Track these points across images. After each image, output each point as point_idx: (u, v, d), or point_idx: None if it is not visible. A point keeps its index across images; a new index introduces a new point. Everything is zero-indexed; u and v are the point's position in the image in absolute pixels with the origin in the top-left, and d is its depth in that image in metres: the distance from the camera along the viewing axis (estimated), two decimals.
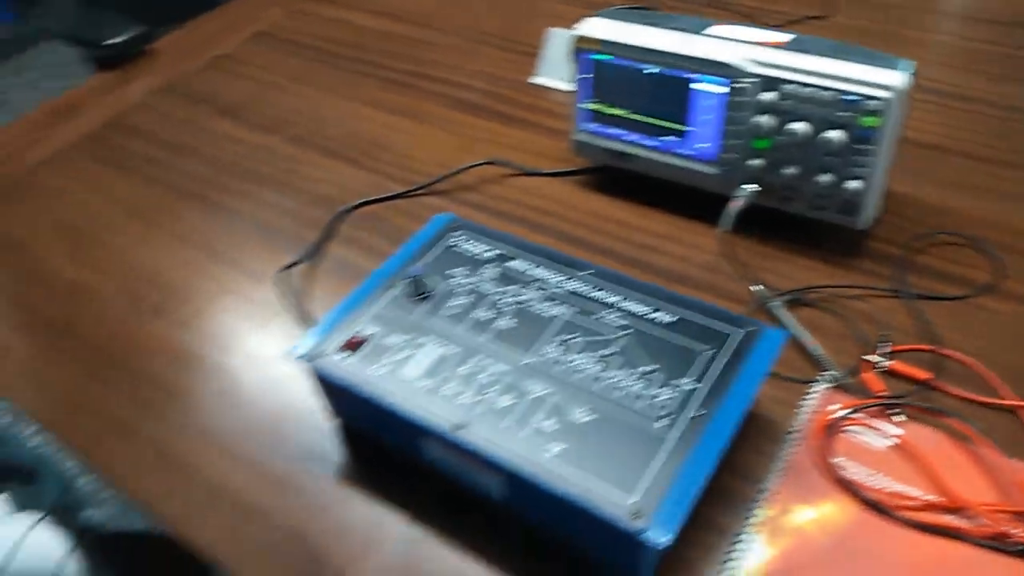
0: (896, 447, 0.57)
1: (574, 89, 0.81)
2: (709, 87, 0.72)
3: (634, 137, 0.79)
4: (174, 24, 1.26)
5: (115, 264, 0.82)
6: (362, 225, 0.84)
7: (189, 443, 0.64)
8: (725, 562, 0.52)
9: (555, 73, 1.01)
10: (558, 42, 1.01)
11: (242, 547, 0.56)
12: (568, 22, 1.01)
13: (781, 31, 0.75)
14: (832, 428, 0.58)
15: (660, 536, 0.46)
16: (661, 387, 0.54)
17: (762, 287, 0.70)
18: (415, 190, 0.87)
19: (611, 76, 0.77)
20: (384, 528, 0.56)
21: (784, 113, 0.70)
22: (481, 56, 1.10)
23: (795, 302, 0.69)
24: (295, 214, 0.86)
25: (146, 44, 1.18)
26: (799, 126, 0.69)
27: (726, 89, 0.72)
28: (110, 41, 1.14)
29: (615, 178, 0.84)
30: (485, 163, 0.89)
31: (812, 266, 0.73)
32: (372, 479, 0.60)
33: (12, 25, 2.90)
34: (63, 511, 0.80)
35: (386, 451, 0.61)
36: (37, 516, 0.77)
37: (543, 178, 0.87)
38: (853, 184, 0.69)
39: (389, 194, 0.87)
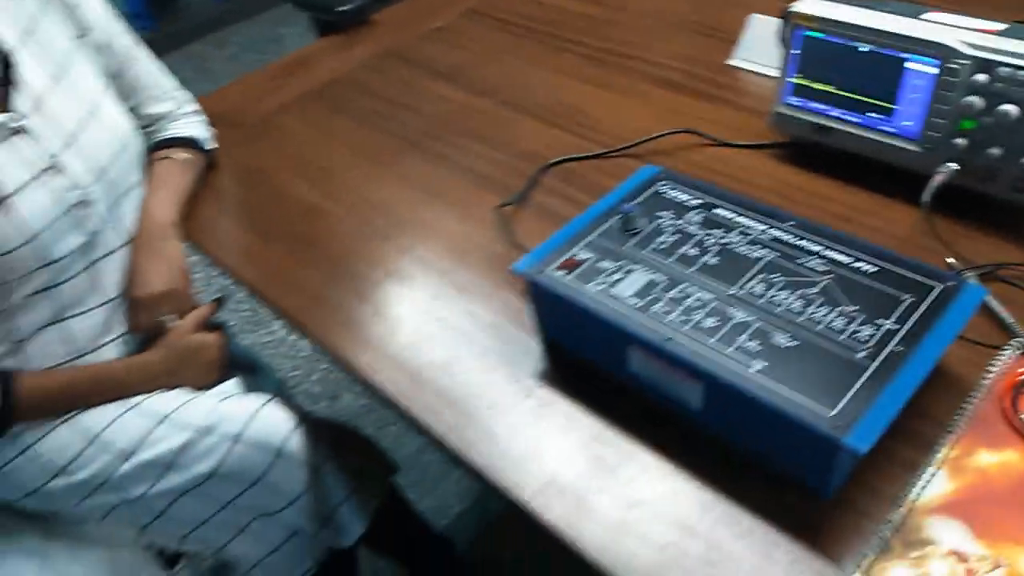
0: None
1: (774, 72, 0.85)
2: (921, 67, 0.76)
3: (839, 112, 0.83)
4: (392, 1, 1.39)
5: (346, 194, 0.95)
6: (564, 179, 0.92)
7: (408, 341, 0.74)
8: (908, 486, 0.56)
9: (753, 57, 1.06)
10: (760, 27, 1.05)
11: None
12: (764, 10, 1.06)
13: (996, 22, 0.77)
14: (1019, 387, 0.61)
15: (858, 444, 0.51)
16: (862, 325, 0.59)
17: (956, 261, 0.72)
18: (613, 151, 0.94)
19: (822, 52, 0.81)
20: (573, 432, 0.64)
21: (995, 95, 0.72)
22: (676, 39, 1.16)
23: (988, 276, 0.71)
24: (504, 165, 0.95)
25: (371, 14, 1.32)
26: (1009, 108, 0.71)
27: (937, 70, 0.75)
28: (342, 7, 1.28)
29: (810, 153, 0.88)
30: (681, 131, 0.95)
31: (1007, 247, 0.75)
32: (575, 390, 0.67)
33: (222, 3, 3.22)
34: (283, 398, 0.92)
35: (589, 369, 0.69)
36: (266, 397, 0.90)
37: (738, 149, 0.92)
38: None
39: (590, 154, 0.94)
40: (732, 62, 1.08)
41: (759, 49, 1.04)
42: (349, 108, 1.11)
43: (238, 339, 1.13)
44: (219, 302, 0.95)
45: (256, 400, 0.89)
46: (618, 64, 1.12)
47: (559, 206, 0.88)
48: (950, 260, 0.73)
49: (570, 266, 0.67)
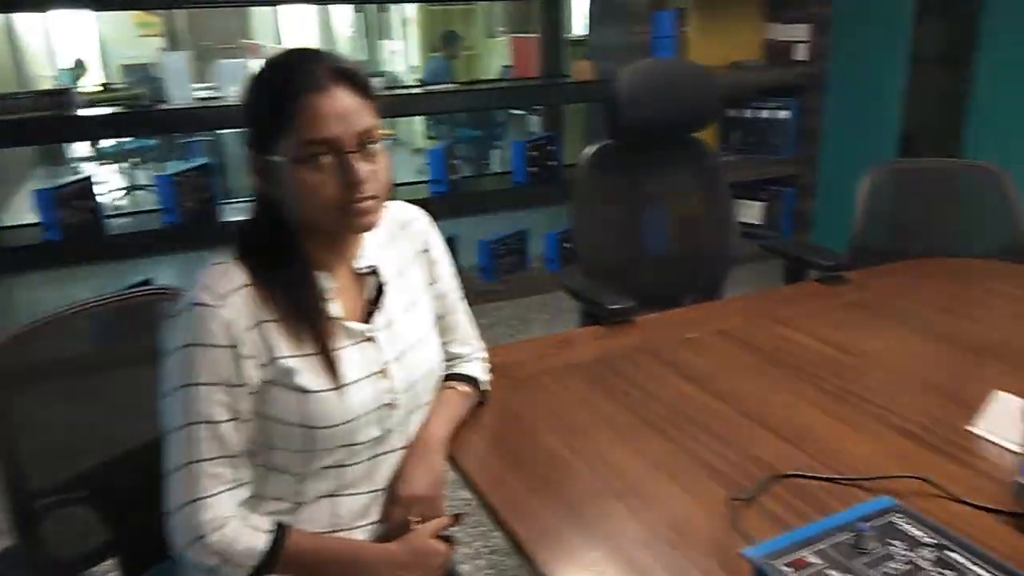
0: None
1: (1015, 447, 0.90)
2: None
3: None
4: (652, 310, 1.61)
5: (588, 451, 1.08)
6: (793, 492, 0.98)
7: None
8: None
9: (995, 428, 1.09)
10: (1002, 403, 1.11)
11: None
12: (1012, 389, 1.11)
13: None
14: None
15: None
16: None
17: None
18: (844, 479, 1.00)
19: None
20: None
21: None
22: (916, 396, 1.23)
23: None
24: (735, 464, 1.04)
25: (634, 316, 1.54)
26: None
27: None
28: (613, 306, 1.51)
29: None
30: (915, 477, 0.99)
31: None
32: None
33: (491, 283, 3.75)
34: None
35: None
36: None
37: (970, 509, 0.94)
38: None
39: (822, 476, 1.01)
40: (972, 429, 1.12)
41: (1000, 422, 1.08)
42: (603, 384, 1.28)
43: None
44: (457, 518, 1.08)
45: None
46: (856, 405, 1.21)
47: (786, 515, 0.94)
48: None
49: (799, 566, 0.73)
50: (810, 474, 1.01)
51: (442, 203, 3.48)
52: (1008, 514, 0.93)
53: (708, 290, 2.00)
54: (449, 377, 1.17)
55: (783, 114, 3.92)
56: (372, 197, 0.94)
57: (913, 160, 2.94)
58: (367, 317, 1.02)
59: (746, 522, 0.92)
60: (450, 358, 1.19)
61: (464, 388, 1.17)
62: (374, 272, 1.04)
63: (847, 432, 1.13)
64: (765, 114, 3.97)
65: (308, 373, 0.94)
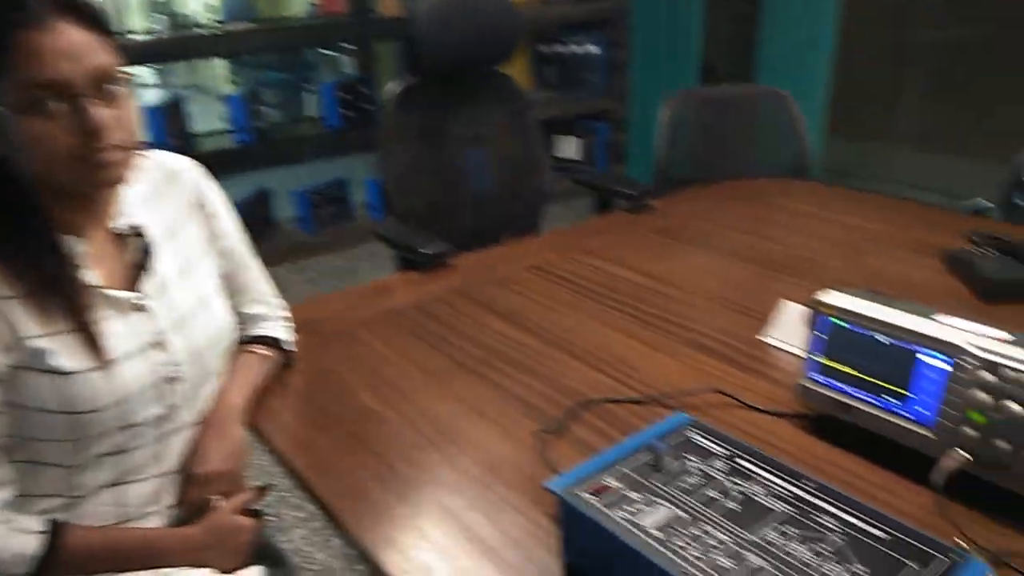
0: None
1: (802, 350, 0.95)
2: (934, 361, 0.84)
3: (858, 393, 0.91)
4: (470, 250, 1.58)
5: (402, 403, 1.04)
6: (601, 417, 1.00)
7: (437, 547, 0.78)
8: None
9: (783, 336, 1.16)
10: (789, 312, 1.18)
11: None
12: (793, 297, 1.19)
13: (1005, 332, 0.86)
14: None
15: None
16: None
17: (964, 543, 0.75)
18: (648, 399, 1.03)
19: (845, 339, 0.91)
20: None
21: (1002, 394, 0.80)
22: (717, 314, 1.29)
23: (995, 563, 0.74)
24: (547, 397, 1.04)
25: (451, 258, 1.50)
26: (1015, 407, 0.78)
27: (949, 366, 0.83)
28: (425, 250, 1.47)
29: (831, 426, 0.95)
30: (713, 391, 1.03)
31: (1017, 537, 0.78)
32: None
33: (312, 235, 3.58)
34: None
35: None
36: None
37: (763, 415, 1.00)
38: None
39: (627, 398, 1.03)
40: (763, 338, 1.19)
41: (788, 330, 1.15)
42: (419, 331, 1.24)
43: (281, 533, 1.16)
44: (263, 490, 1.01)
45: None
46: (661, 327, 1.24)
47: (593, 439, 0.95)
48: (959, 541, 0.76)
49: (599, 491, 0.73)
50: (616, 398, 1.03)
51: (250, 154, 3.26)
52: (795, 416, 0.99)
53: (525, 227, 2.00)
54: (246, 341, 1.08)
55: (593, 49, 3.98)
56: (119, 147, 0.82)
57: (707, 88, 3.09)
58: (133, 284, 0.91)
59: (555, 453, 0.92)
60: (245, 320, 1.10)
61: (263, 351, 1.08)
62: (139, 233, 0.92)
63: (652, 354, 1.16)
64: (576, 49, 4.02)
65: (64, 352, 0.83)
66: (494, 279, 1.43)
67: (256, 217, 3.36)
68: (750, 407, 1.01)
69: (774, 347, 1.17)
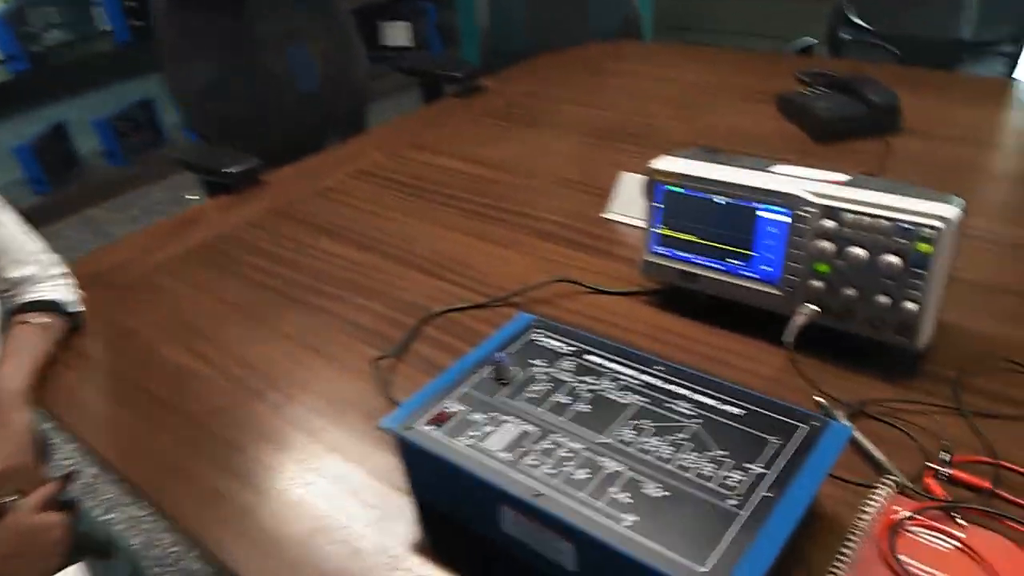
0: (959, 550, 0.58)
1: (644, 222, 0.89)
2: (773, 215, 0.80)
3: (701, 260, 0.86)
4: (285, 162, 1.42)
5: (219, 353, 0.90)
6: (446, 329, 0.91)
7: (276, 513, 0.69)
8: None
9: (625, 210, 1.10)
10: (628, 183, 1.11)
11: None
12: (637, 168, 1.12)
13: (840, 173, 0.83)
14: (896, 528, 0.60)
15: None
16: (731, 470, 0.57)
17: (824, 399, 0.74)
18: (493, 302, 0.94)
19: (682, 205, 0.85)
20: None
21: (843, 240, 0.77)
22: (557, 196, 1.21)
23: (857, 414, 0.72)
24: (385, 318, 0.94)
25: (260, 175, 1.33)
26: (857, 251, 0.76)
27: (788, 218, 0.79)
28: (228, 169, 1.29)
29: (681, 298, 0.90)
30: (558, 280, 0.96)
31: (871, 383, 0.77)
32: (447, 554, 0.63)
33: (124, 168, 3.22)
34: None
35: (461, 529, 0.64)
36: None
37: (612, 296, 0.94)
38: (909, 306, 0.74)
39: (470, 304, 0.94)
40: (606, 215, 1.12)
41: (629, 203, 1.09)
42: (231, 266, 1.09)
43: (108, 517, 1.03)
44: (68, 478, 0.87)
45: None
46: (501, 219, 1.15)
47: (440, 357, 0.86)
48: (818, 399, 0.74)
49: (440, 420, 0.65)
50: (459, 306, 0.94)
51: (31, 84, 2.83)
52: (644, 293, 0.94)
53: (351, 129, 1.82)
54: (17, 311, 0.91)
55: None
56: None
57: None
58: None
59: (399, 379, 0.83)
60: (12, 287, 0.92)
61: (41, 319, 0.91)
62: None
63: (494, 250, 1.08)
64: None
65: None
66: (316, 191, 1.29)
67: (55, 156, 2.96)
68: (599, 291, 0.95)
69: (619, 223, 1.11)
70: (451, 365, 0.71)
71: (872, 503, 0.62)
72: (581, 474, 0.58)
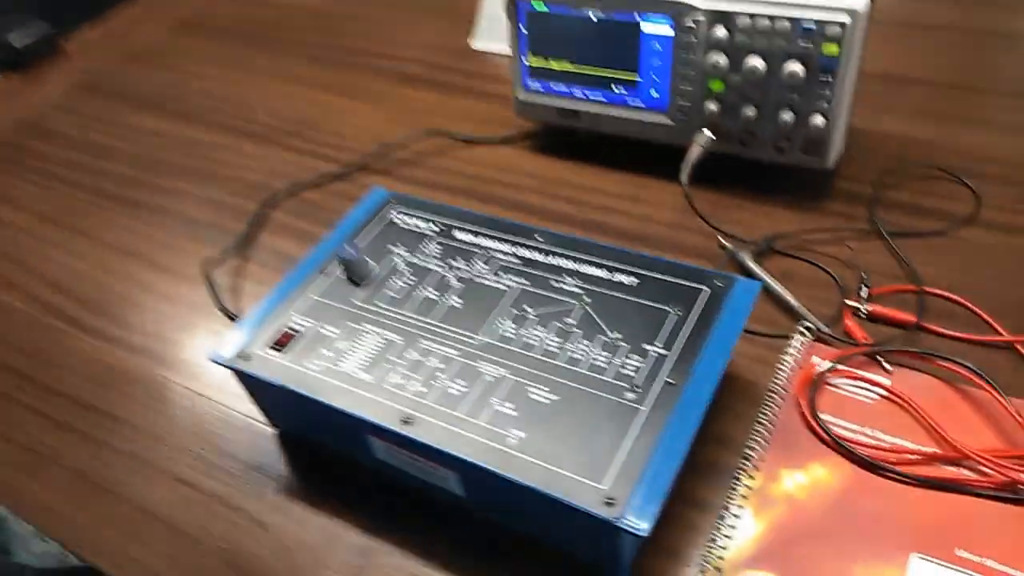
0: (887, 398, 0.52)
1: (511, 51, 0.75)
2: (657, 28, 0.67)
3: (580, 91, 0.73)
4: (86, 20, 1.17)
5: (23, 278, 0.75)
6: (296, 211, 0.77)
7: (113, 468, 0.58)
8: (711, 541, 0.47)
9: (494, 35, 0.95)
10: (494, 3, 0.95)
11: None
12: None
13: None
14: (816, 383, 0.54)
15: (638, 523, 0.41)
16: (627, 356, 0.49)
17: (729, 240, 0.65)
18: (350, 170, 0.81)
19: (550, 26, 0.71)
20: (334, 543, 0.51)
21: (737, 50, 0.65)
22: (417, 26, 1.04)
23: (765, 252, 0.64)
24: (223, 206, 0.79)
25: (56, 42, 1.10)
26: (754, 62, 0.64)
27: (672, 30, 0.66)
28: (15, 42, 1.05)
29: (564, 139, 0.78)
30: (426, 133, 0.82)
31: (779, 213, 0.68)
32: (318, 490, 0.54)
33: None
34: None
35: (331, 458, 0.55)
36: None
37: (487, 146, 0.81)
38: (816, 120, 0.64)
39: (322, 174, 0.80)
40: (474, 44, 0.96)
41: (498, 29, 0.93)
42: (28, 165, 0.90)
43: None
44: None
45: None
46: (353, 64, 0.98)
47: (294, 248, 0.73)
48: (722, 240, 0.65)
49: (284, 342, 0.53)
50: (306, 181, 0.80)
51: None
52: (522, 137, 0.81)
53: None
54: None
55: None
56: None
57: None
58: None
59: (245, 285, 0.70)
60: None
61: None
62: None
63: (349, 104, 0.92)
64: None
65: None
66: (131, 55, 1.07)
67: None
68: (472, 141, 0.82)
69: (489, 53, 0.95)
70: (300, 260, 0.59)
71: (787, 358, 0.55)
72: (457, 387, 0.49)
